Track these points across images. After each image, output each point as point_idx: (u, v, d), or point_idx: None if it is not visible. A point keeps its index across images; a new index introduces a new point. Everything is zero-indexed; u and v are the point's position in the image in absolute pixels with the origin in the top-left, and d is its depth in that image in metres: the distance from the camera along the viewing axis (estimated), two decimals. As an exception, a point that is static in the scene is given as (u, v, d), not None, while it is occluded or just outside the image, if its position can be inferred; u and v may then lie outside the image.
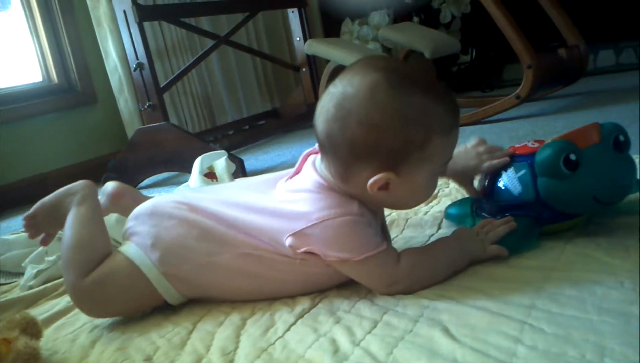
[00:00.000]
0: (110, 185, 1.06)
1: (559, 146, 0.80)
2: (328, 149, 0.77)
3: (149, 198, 1.02)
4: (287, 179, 0.86)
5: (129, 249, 0.85)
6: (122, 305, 0.85)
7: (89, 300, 0.84)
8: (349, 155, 0.74)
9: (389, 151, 0.73)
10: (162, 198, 0.91)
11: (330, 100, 0.75)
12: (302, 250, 0.77)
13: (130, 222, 0.89)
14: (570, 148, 0.79)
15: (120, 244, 0.89)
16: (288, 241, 0.77)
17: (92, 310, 0.86)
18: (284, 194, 0.83)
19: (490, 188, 0.90)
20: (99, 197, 0.98)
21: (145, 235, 0.85)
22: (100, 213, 0.93)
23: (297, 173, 0.86)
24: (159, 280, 0.83)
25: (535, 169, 0.83)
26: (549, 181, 0.81)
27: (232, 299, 0.85)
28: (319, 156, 0.83)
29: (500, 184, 0.88)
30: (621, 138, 0.81)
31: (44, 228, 0.95)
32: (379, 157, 0.73)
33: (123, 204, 1.03)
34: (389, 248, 0.78)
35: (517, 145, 0.90)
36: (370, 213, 0.79)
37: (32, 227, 0.95)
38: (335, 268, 0.78)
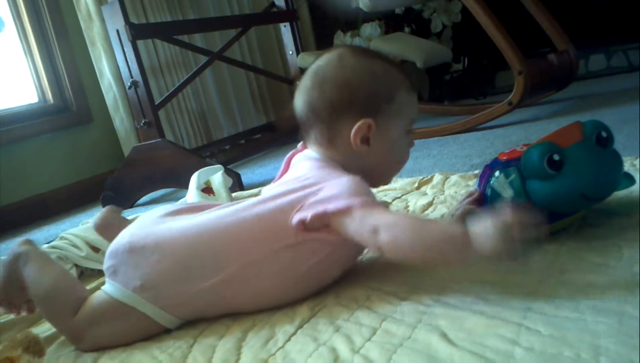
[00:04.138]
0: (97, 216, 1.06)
1: (541, 147, 0.81)
2: (312, 118, 0.87)
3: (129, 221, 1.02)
4: (274, 183, 0.88)
5: (116, 291, 0.83)
6: (119, 336, 0.83)
7: (80, 336, 0.83)
8: (331, 115, 0.85)
9: (363, 100, 0.84)
10: (136, 230, 0.87)
11: (305, 79, 0.88)
12: (310, 215, 0.75)
13: (110, 261, 0.85)
14: (552, 148, 0.81)
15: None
16: (296, 217, 0.77)
17: (90, 344, 0.84)
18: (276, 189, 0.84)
19: (484, 194, 0.90)
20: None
21: (131, 276, 0.82)
22: (49, 259, 0.92)
23: (282, 174, 0.89)
24: (157, 313, 0.82)
25: (522, 172, 0.84)
26: (536, 183, 0.83)
27: (233, 312, 0.85)
28: (304, 151, 0.90)
29: (493, 190, 0.89)
30: (603, 134, 0.83)
31: (18, 301, 0.93)
32: (355, 108, 0.84)
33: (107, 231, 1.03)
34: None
35: (507, 151, 0.91)
36: None
37: (9, 308, 0.93)
38: (335, 231, 0.77)
